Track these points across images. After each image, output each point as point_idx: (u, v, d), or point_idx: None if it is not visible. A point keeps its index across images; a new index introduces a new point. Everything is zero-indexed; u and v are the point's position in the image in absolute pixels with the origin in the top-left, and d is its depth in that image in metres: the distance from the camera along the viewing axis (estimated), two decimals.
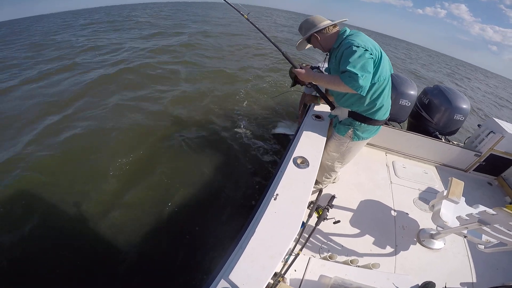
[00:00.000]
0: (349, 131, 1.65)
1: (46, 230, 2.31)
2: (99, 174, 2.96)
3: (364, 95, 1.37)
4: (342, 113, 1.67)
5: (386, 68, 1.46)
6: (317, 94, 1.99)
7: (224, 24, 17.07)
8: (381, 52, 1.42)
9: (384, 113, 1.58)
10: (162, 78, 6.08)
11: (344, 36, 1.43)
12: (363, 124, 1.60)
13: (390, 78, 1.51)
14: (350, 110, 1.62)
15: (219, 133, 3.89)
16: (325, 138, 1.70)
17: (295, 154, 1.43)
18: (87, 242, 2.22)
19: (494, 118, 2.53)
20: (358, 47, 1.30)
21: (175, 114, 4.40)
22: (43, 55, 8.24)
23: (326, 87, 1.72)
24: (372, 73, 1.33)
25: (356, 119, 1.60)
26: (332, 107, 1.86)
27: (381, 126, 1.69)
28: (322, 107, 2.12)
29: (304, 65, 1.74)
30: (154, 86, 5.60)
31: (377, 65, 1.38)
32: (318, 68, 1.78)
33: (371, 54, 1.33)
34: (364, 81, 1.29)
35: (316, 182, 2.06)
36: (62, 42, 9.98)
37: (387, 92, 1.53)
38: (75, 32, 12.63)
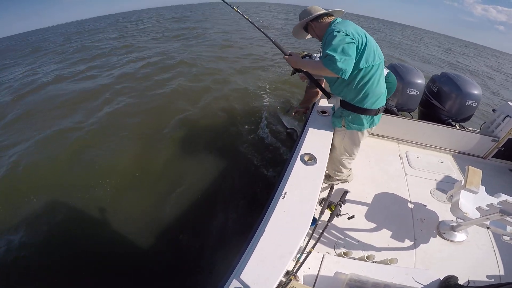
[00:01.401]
0: (342, 121, 1.65)
1: (46, 229, 2.38)
2: (102, 172, 3.04)
3: (346, 78, 1.37)
4: (337, 102, 1.68)
5: (374, 54, 1.45)
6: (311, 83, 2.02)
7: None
8: (366, 38, 1.42)
9: (374, 102, 1.55)
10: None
11: (332, 24, 1.46)
12: (352, 114, 1.59)
13: (380, 65, 1.51)
14: (341, 99, 1.62)
15: (225, 131, 3.91)
16: (332, 133, 1.68)
17: (302, 151, 1.42)
18: (90, 242, 2.25)
19: (509, 102, 2.42)
20: (339, 32, 1.33)
21: (179, 108, 4.50)
22: None
23: (312, 73, 1.79)
24: (353, 57, 1.34)
25: (345, 108, 1.61)
26: (328, 96, 1.88)
27: (379, 116, 1.65)
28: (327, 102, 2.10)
29: (289, 52, 1.79)
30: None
31: (361, 50, 1.39)
32: (309, 56, 1.82)
33: (352, 39, 1.35)
34: (344, 64, 1.30)
35: (328, 178, 2.03)
36: None
37: (377, 79, 1.50)
38: None
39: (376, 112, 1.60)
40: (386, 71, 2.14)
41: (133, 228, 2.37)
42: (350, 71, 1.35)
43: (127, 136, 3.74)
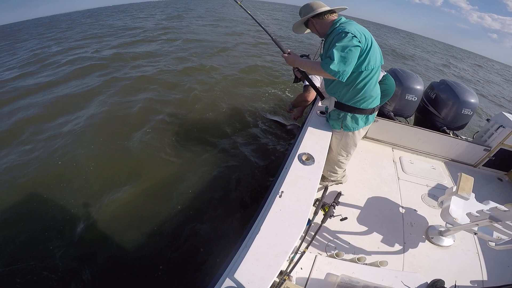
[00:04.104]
0: (340, 122, 1.65)
1: (43, 229, 2.31)
2: (98, 171, 2.98)
3: (343, 81, 1.36)
4: (331, 103, 1.68)
5: (376, 57, 1.45)
6: (307, 83, 2.03)
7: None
8: (371, 41, 1.42)
9: (370, 102, 1.57)
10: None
11: (338, 24, 1.44)
12: (349, 114, 1.60)
13: (379, 68, 1.52)
14: (336, 100, 1.62)
15: (221, 129, 3.87)
16: (330, 133, 1.68)
17: (300, 151, 1.41)
18: (86, 241, 2.22)
19: (503, 112, 2.47)
20: (347, 33, 1.31)
21: (174, 108, 4.42)
22: None
23: (309, 73, 1.80)
24: (354, 61, 1.33)
25: (342, 109, 1.61)
26: (322, 97, 1.88)
27: (374, 115, 1.67)
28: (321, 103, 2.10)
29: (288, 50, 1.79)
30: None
31: (365, 53, 1.38)
32: (307, 56, 1.83)
33: (360, 42, 1.33)
34: (342, 67, 1.29)
35: (323, 178, 2.04)
36: None
37: (374, 81, 1.52)
38: None
39: (372, 111, 1.61)
40: (383, 74, 2.15)
41: (126, 228, 2.33)
42: (348, 75, 1.34)
43: (125, 137, 3.65)
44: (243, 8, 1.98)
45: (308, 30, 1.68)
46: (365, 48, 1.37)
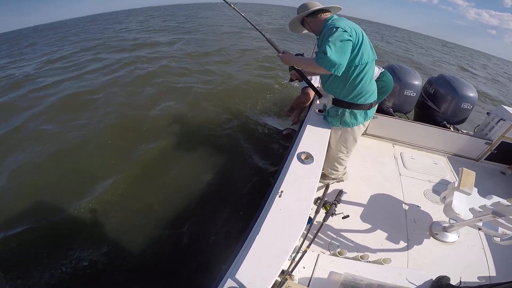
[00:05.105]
0: (338, 119, 1.66)
1: (44, 231, 2.33)
2: (99, 172, 3.00)
3: (338, 74, 1.36)
4: (329, 100, 1.68)
5: (368, 52, 1.46)
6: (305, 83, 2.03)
7: None
8: (362, 36, 1.43)
9: (368, 97, 1.58)
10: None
11: (329, 21, 1.46)
12: (347, 110, 1.60)
13: (373, 62, 1.53)
14: (333, 97, 1.62)
15: (220, 130, 3.88)
16: (329, 131, 1.68)
17: (299, 150, 1.41)
18: (87, 243, 2.22)
19: (503, 106, 2.46)
20: (338, 28, 1.33)
21: (174, 110, 4.45)
22: None
23: (305, 70, 1.82)
24: (347, 54, 1.34)
25: (340, 106, 1.61)
26: (319, 95, 1.88)
27: (372, 110, 1.67)
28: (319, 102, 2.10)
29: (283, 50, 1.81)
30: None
31: (358, 47, 1.40)
32: (302, 55, 1.84)
33: (350, 36, 1.35)
34: (337, 60, 1.29)
35: (324, 177, 2.03)
36: None
37: (370, 76, 1.53)
38: None
39: (369, 106, 1.62)
40: (381, 70, 2.15)
41: (128, 229, 2.34)
42: (343, 68, 1.34)
43: (124, 136, 3.69)
44: (237, 10, 1.99)
45: (305, 30, 1.71)
46: (356, 42, 1.38)
